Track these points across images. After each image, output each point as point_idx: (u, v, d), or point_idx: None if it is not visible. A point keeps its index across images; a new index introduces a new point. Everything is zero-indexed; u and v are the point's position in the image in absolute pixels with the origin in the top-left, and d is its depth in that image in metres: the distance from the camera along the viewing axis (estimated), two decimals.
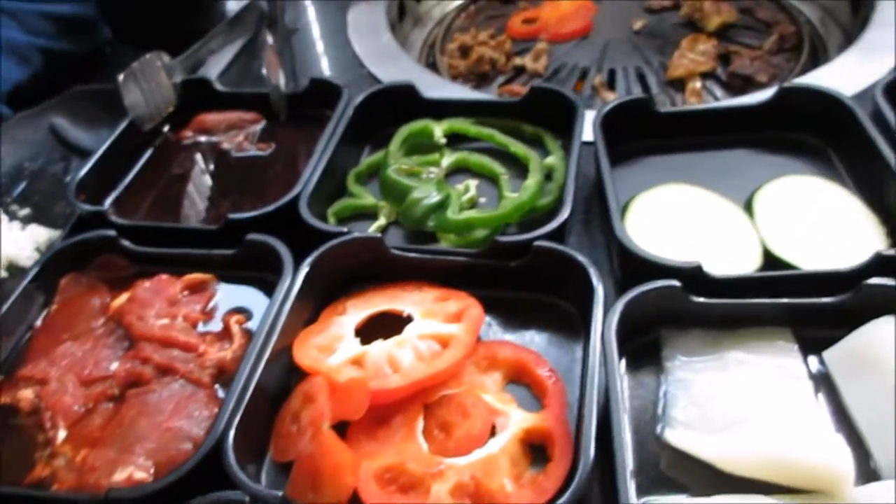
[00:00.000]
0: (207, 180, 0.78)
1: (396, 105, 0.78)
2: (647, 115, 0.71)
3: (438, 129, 0.75)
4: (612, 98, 0.94)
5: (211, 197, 0.75)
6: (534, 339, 0.59)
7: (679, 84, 0.94)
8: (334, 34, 1.03)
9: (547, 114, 0.75)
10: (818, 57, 1.02)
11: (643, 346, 0.55)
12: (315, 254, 0.60)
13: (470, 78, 1.02)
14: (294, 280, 0.58)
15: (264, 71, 0.77)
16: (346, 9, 1.08)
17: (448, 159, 0.74)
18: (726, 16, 1.01)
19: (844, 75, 0.81)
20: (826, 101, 0.69)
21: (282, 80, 0.81)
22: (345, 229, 0.62)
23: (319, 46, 1.01)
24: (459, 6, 1.22)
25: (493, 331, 0.60)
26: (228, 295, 0.64)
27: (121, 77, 0.74)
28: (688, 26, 1.04)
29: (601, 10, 1.10)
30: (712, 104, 0.74)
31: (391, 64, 0.94)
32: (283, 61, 0.84)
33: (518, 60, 1.02)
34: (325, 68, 0.96)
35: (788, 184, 0.64)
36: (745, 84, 0.92)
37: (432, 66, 1.09)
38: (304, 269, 0.59)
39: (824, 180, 0.65)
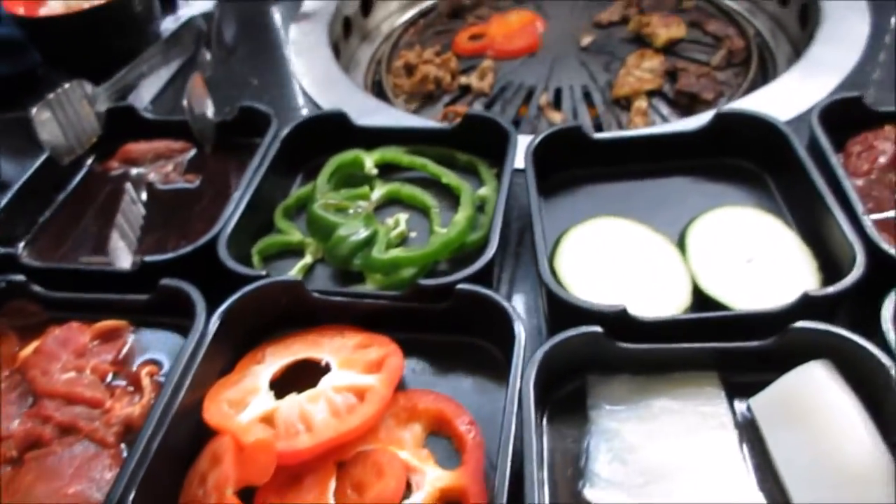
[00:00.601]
0: (131, 216, 0.74)
1: (328, 134, 0.75)
2: (582, 142, 0.69)
3: (369, 160, 0.72)
4: (557, 119, 0.92)
5: (134, 235, 0.72)
6: (460, 385, 0.56)
7: (625, 102, 0.93)
8: (275, 52, 1.01)
9: (482, 141, 0.73)
10: (767, 71, 1.01)
11: (569, 393, 0.53)
12: (229, 301, 0.57)
13: (415, 97, 1.00)
14: (206, 330, 0.56)
15: (185, 102, 0.74)
16: (289, 26, 1.06)
17: (379, 191, 0.71)
18: (674, 31, 1.00)
19: (787, 96, 0.80)
20: (762, 127, 0.67)
21: (210, 108, 0.78)
22: (263, 272, 0.59)
23: (258, 66, 0.98)
24: (408, 21, 1.19)
25: (418, 376, 0.58)
26: (144, 343, 0.61)
27: (34, 110, 0.71)
28: (636, 41, 1.02)
29: (550, 26, 1.08)
30: (648, 131, 0.72)
31: (329, 86, 0.91)
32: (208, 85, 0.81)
33: (464, 79, 1.00)
34: (263, 90, 0.93)
35: (722, 216, 0.63)
36: (691, 102, 0.91)
37: (378, 84, 1.06)
38: (217, 318, 0.56)
39: (759, 211, 0.63)
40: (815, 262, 0.58)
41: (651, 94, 0.93)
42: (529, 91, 0.97)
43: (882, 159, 0.65)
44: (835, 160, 0.62)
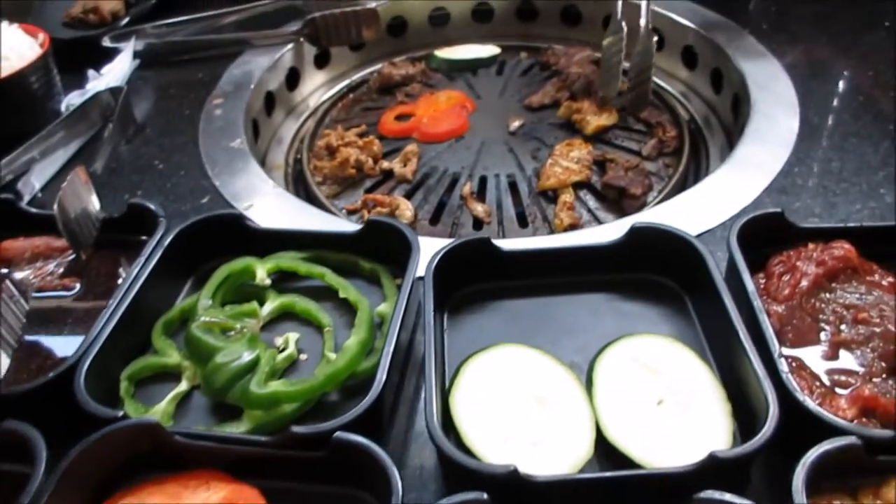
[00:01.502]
0: (10, 322, 0.67)
1: (222, 236, 0.69)
2: (491, 255, 0.65)
3: (262, 270, 0.66)
4: (479, 210, 0.87)
5: (12, 342, 0.65)
6: None
7: (552, 194, 0.88)
8: (186, 131, 0.95)
9: (386, 248, 0.68)
10: (700, 161, 0.98)
11: None
12: (73, 451, 0.50)
13: (335, 181, 0.95)
14: (46, 485, 0.49)
15: (55, 206, 0.67)
16: (205, 100, 1.00)
17: (271, 304, 0.65)
18: (605, 119, 0.97)
19: (712, 199, 0.76)
20: (678, 244, 0.63)
21: (94, 204, 0.72)
22: (119, 413, 0.53)
23: (166, 147, 0.92)
24: (336, 94, 1.15)
25: None
26: None
27: None
28: (566, 127, 0.99)
29: (479, 106, 1.05)
30: (561, 243, 0.67)
31: (237, 173, 0.85)
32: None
33: (386, 164, 0.95)
34: (166, 176, 0.86)
35: (633, 346, 0.58)
36: (619, 196, 0.87)
37: (298, 162, 1.01)
38: (58, 471, 0.49)
39: (672, 342, 0.59)
40: (730, 406, 0.53)
41: (579, 185, 0.89)
42: (454, 178, 0.92)
43: (804, 282, 0.61)
44: (752, 288, 0.58)
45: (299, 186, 0.99)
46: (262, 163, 1.02)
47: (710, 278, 0.59)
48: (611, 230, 0.73)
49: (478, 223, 0.87)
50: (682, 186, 0.92)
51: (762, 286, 0.62)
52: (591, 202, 0.88)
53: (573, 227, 0.84)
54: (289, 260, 0.68)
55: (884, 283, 0.62)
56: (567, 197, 0.87)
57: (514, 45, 1.22)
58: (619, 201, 0.87)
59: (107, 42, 1.08)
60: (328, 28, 1.11)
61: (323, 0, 1.17)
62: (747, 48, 0.99)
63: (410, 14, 1.24)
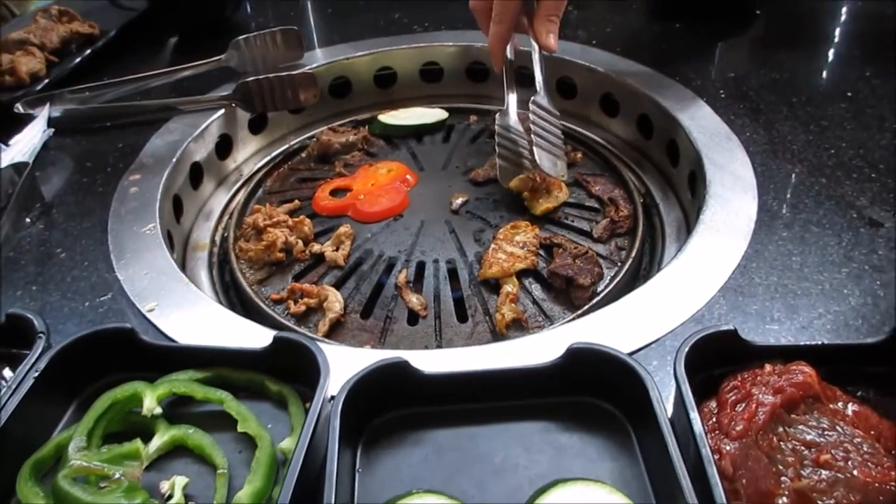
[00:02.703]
0: None
1: (113, 352, 0.61)
2: (409, 379, 0.57)
3: (151, 398, 0.58)
4: (415, 302, 0.80)
5: None
6: None
7: (495, 282, 0.82)
8: (96, 213, 0.86)
9: (297, 367, 0.60)
10: (655, 243, 0.92)
11: None
12: None
13: (261, 266, 0.87)
14: None
15: None
16: (122, 175, 0.92)
17: (161, 438, 0.57)
18: (555, 199, 0.90)
19: (660, 303, 0.69)
20: (620, 368, 0.56)
21: None
22: None
23: (72, 232, 0.83)
24: (272, 161, 1.08)
25: None
26: None
27: None
28: (512, 205, 0.92)
29: (422, 179, 0.98)
30: (491, 366, 0.60)
31: (144, 266, 0.77)
32: None
33: (317, 247, 0.87)
34: (67, 268, 0.78)
35: (567, 498, 0.50)
36: (567, 285, 0.80)
37: (226, 241, 0.93)
38: None
39: (610, 492, 0.51)
40: None
41: (525, 272, 0.82)
42: (389, 264, 0.85)
43: (761, 415, 0.54)
44: (699, 430, 0.51)
45: (224, 269, 0.91)
46: (186, 242, 0.95)
47: (654, 414, 0.52)
48: (552, 340, 0.66)
49: (413, 316, 0.79)
50: (635, 271, 0.86)
51: (715, 416, 0.55)
52: (537, 292, 0.81)
53: (516, 321, 0.77)
54: (184, 383, 0.60)
55: (848, 412, 0.56)
56: (510, 287, 0.80)
57: (464, 106, 1.16)
58: (566, 291, 0.80)
59: (19, 108, 1.00)
60: (262, 92, 1.04)
61: (259, 62, 1.11)
62: (704, 121, 0.94)
63: (354, 74, 1.17)
